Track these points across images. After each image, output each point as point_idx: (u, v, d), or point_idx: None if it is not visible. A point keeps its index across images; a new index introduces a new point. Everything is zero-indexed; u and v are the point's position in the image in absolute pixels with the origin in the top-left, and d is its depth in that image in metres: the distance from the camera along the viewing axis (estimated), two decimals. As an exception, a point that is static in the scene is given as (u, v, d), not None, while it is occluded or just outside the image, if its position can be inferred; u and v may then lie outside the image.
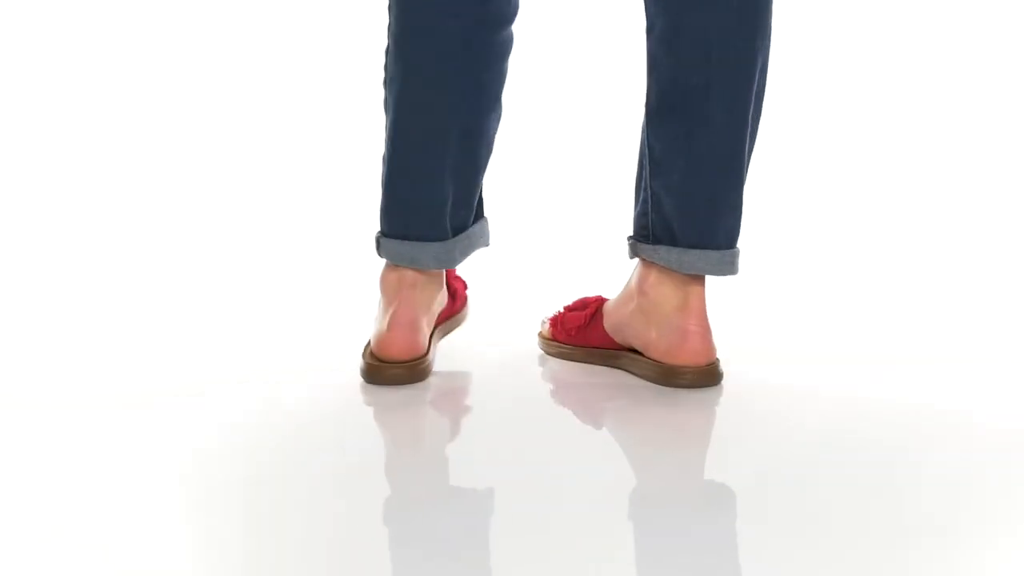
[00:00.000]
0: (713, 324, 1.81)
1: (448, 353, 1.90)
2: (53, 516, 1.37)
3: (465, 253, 1.82)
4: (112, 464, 1.54)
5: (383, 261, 1.82)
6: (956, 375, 1.85)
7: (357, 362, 1.83)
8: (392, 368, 1.78)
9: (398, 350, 1.78)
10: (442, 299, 1.86)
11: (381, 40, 1.80)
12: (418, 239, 1.78)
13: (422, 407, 1.74)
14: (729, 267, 1.77)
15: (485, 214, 1.87)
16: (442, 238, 1.79)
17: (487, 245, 1.88)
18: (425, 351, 1.80)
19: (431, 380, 1.81)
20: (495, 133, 1.80)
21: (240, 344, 2.06)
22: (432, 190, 1.77)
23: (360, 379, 1.80)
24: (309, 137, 3.21)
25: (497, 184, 1.99)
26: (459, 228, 1.81)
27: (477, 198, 1.83)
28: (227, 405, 1.75)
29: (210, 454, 1.57)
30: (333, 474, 1.51)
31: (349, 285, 2.28)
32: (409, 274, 1.80)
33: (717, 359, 1.76)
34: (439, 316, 1.88)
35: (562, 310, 1.89)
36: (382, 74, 1.79)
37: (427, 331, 1.81)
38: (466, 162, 1.77)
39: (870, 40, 3.37)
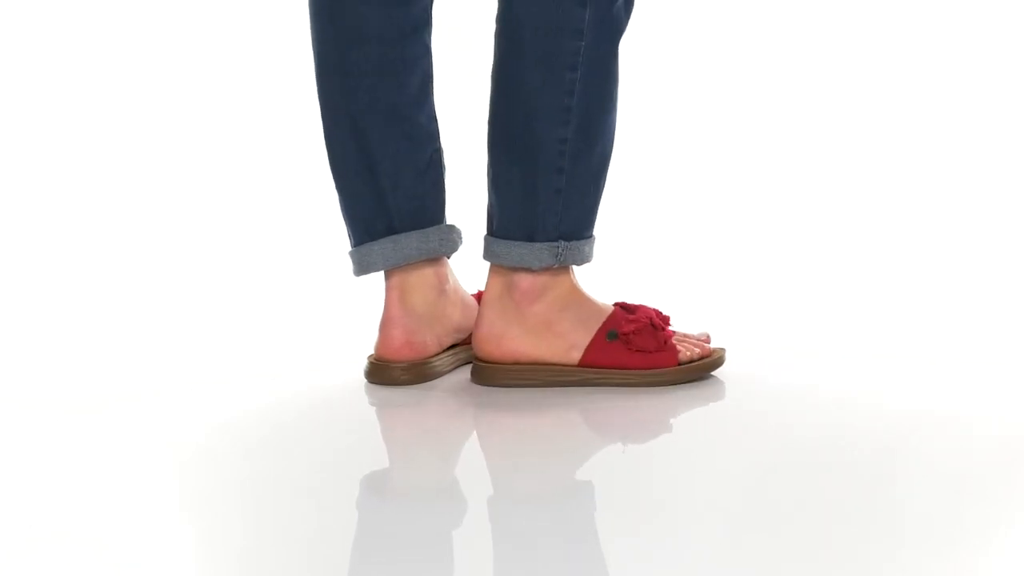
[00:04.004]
0: (712, 320, 1.80)
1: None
2: (52, 516, 1.37)
3: (390, 258, 1.79)
4: (112, 463, 1.54)
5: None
6: (956, 372, 1.85)
7: (362, 362, 1.84)
8: (387, 367, 1.79)
9: (384, 349, 1.79)
10: (460, 312, 1.84)
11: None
12: (355, 244, 1.82)
13: (424, 407, 1.74)
14: (497, 257, 1.75)
15: (447, 220, 1.84)
16: (356, 244, 1.81)
17: (447, 251, 1.82)
18: (422, 355, 1.80)
19: (435, 381, 1.81)
20: (405, 137, 1.78)
21: (244, 343, 2.06)
22: (345, 189, 1.81)
23: (361, 380, 1.81)
24: (311, 136, 3.20)
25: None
26: (376, 232, 1.79)
27: (395, 200, 1.79)
28: (227, 404, 1.75)
29: (210, 453, 1.57)
30: (333, 474, 1.51)
31: (355, 284, 2.28)
32: (391, 277, 1.80)
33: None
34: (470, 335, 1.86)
35: None
36: None
37: (425, 335, 1.80)
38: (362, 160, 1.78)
39: (870, 40, 3.37)
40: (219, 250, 2.70)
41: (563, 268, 1.76)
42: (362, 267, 1.81)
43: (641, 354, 1.75)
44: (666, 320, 1.78)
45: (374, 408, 1.76)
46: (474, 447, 1.66)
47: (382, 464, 1.59)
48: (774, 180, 3.12)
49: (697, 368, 1.76)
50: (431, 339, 1.81)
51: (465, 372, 1.83)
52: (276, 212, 2.93)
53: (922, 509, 1.36)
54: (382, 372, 1.79)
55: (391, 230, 1.79)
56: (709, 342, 1.81)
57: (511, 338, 1.75)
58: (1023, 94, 3.25)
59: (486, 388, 1.76)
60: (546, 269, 1.74)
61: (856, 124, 3.26)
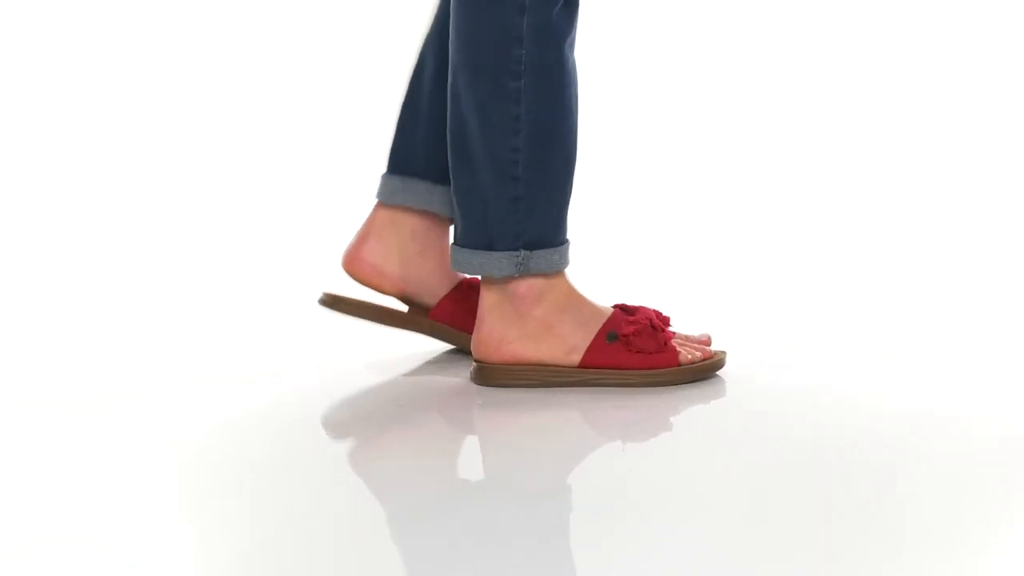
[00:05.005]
0: (712, 320, 1.79)
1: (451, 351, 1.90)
2: (52, 516, 1.37)
3: (392, 194, 1.85)
4: (112, 463, 1.54)
5: None
6: (956, 372, 1.85)
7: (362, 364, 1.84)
8: (339, 299, 1.87)
9: (344, 258, 1.87)
10: (432, 271, 1.86)
11: (378, 40, 1.81)
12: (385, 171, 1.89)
13: (424, 406, 1.74)
14: (459, 265, 1.78)
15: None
16: (385, 171, 1.88)
17: (445, 213, 1.84)
18: (373, 278, 1.85)
19: (435, 378, 1.81)
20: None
21: (245, 343, 2.06)
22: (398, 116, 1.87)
23: (362, 380, 1.81)
24: (310, 137, 3.20)
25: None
26: (396, 166, 1.86)
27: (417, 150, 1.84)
28: (227, 404, 1.75)
29: (210, 453, 1.57)
30: (332, 473, 1.51)
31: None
32: (382, 208, 1.87)
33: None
34: (443, 305, 1.87)
35: None
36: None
37: (383, 264, 1.84)
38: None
39: (870, 38, 3.37)
40: (219, 250, 2.70)
41: (557, 272, 1.76)
42: (378, 192, 1.88)
43: (641, 355, 1.75)
44: (666, 321, 1.78)
45: (374, 408, 1.76)
46: (474, 447, 1.66)
47: (382, 464, 1.59)
48: (773, 180, 3.12)
49: (698, 370, 1.76)
50: (389, 271, 1.85)
51: (462, 371, 1.83)
52: (276, 211, 2.93)
53: (922, 509, 1.36)
54: (333, 300, 1.87)
55: (411, 172, 1.85)
56: (710, 344, 1.80)
57: (510, 341, 1.75)
58: (1022, 94, 3.25)
59: (486, 388, 1.76)
60: (527, 276, 1.74)
61: (855, 125, 3.26)
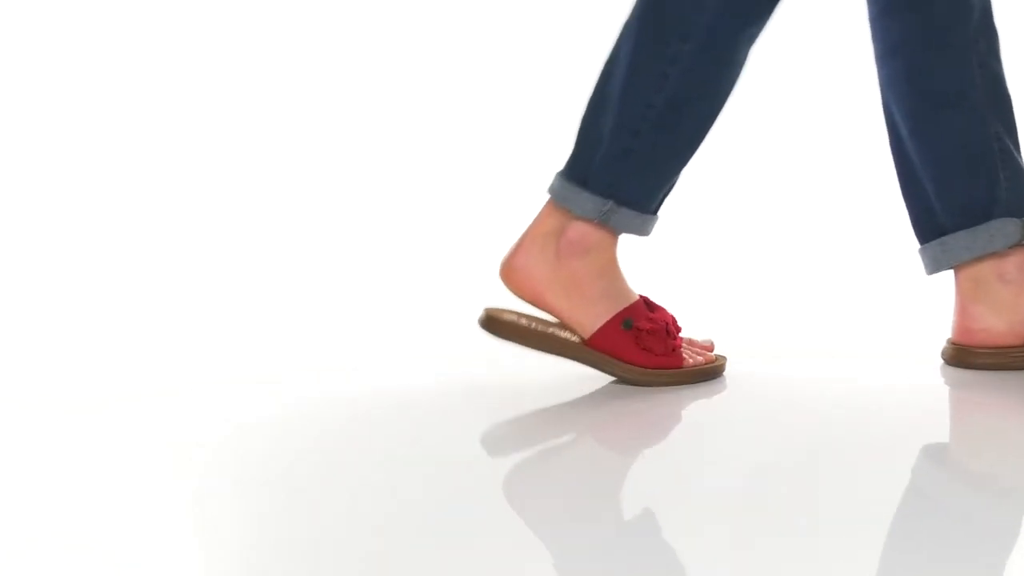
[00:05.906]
0: (714, 321, 1.79)
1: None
2: (52, 516, 1.37)
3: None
4: (112, 463, 1.54)
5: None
6: (956, 373, 1.85)
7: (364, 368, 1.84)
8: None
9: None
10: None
11: (375, 42, 1.80)
12: None
13: (425, 410, 1.74)
14: (552, 189, 1.74)
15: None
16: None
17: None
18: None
19: (437, 379, 1.81)
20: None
21: (246, 344, 2.06)
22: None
23: (364, 382, 1.81)
24: (317, 140, 3.21)
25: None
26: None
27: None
28: (227, 404, 1.75)
29: (210, 453, 1.57)
30: (333, 476, 1.51)
31: (351, 290, 2.28)
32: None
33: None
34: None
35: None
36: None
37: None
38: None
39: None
40: (221, 250, 2.70)
41: (611, 235, 1.74)
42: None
43: (646, 353, 1.75)
44: (679, 330, 1.78)
45: (375, 412, 1.76)
46: (476, 448, 1.66)
47: (383, 467, 1.59)
48: (776, 186, 3.13)
49: (698, 373, 1.77)
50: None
51: (465, 373, 1.83)
52: (279, 213, 2.93)
53: (923, 509, 1.36)
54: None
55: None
56: (712, 350, 1.81)
57: (538, 280, 1.74)
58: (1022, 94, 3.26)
59: (485, 391, 1.77)
60: (594, 224, 1.73)
61: (853, 127, 3.26)
